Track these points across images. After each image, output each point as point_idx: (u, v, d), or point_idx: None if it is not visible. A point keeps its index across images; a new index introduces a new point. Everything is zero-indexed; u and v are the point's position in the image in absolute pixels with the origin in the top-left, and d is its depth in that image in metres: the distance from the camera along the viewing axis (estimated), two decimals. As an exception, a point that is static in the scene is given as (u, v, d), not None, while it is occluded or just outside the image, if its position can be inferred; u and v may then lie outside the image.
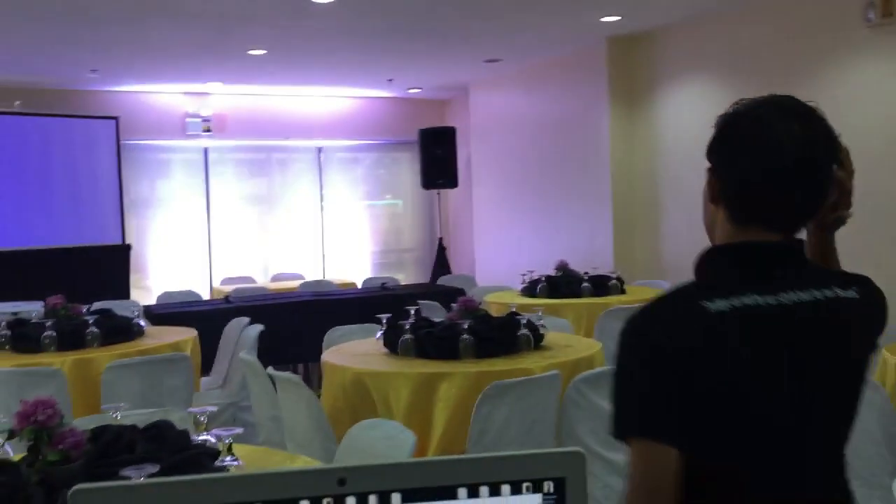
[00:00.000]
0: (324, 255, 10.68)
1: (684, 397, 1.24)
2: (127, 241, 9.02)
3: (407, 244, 11.41)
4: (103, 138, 8.93)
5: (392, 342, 3.72)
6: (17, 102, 8.50)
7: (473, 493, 0.80)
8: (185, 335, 4.53)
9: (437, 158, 9.86)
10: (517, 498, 0.81)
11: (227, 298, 6.67)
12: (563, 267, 6.11)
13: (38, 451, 1.93)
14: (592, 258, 7.32)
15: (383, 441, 2.42)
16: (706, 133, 1.40)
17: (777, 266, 1.32)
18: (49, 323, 4.18)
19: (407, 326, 3.70)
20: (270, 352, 4.88)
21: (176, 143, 9.91)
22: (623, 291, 5.75)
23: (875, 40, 5.61)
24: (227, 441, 2.09)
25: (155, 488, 0.75)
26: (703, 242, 1.42)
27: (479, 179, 10.23)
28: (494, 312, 4.34)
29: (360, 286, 8.05)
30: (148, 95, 9.64)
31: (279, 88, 9.93)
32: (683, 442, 1.25)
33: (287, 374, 3.35)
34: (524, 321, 3.73)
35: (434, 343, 3.60)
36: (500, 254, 9.70)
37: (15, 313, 4.99)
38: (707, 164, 1.38)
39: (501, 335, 3.67)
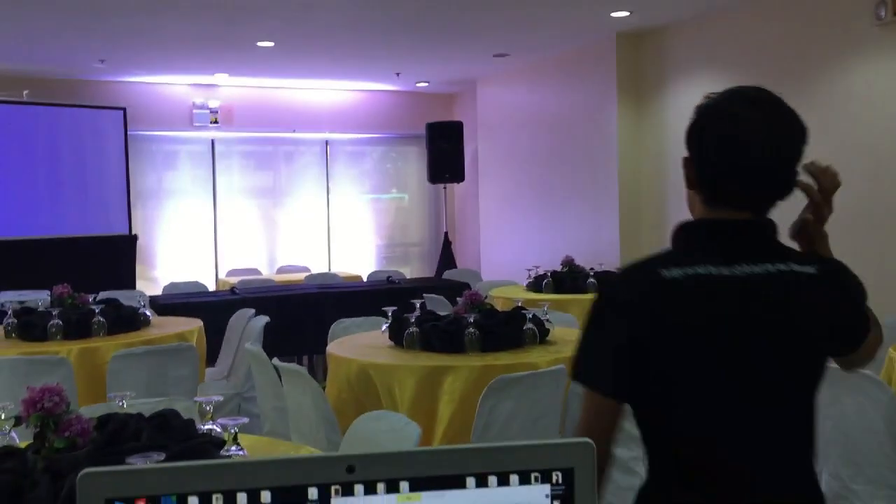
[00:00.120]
0: (329, 248, 10.69)
1: (631, 355, 1.37)
2: (133, 232, 9.04)
3: (413, 238, 11.40)
4: (111, 129, 8.94)
5: (397, 335, 3.72)
6: (26, 92, 8.51)
7: (482, 483, 0.80)
8: (191, 326, 4.54)
9: (444, 152, 9.85)
10: (525, 488, 0.80)
11: (232, 290, 6.67)
12: (568, 262, 6.10)
13: (45, 438, 1.93)
14: (599, 254, 7.31)
15: (388, 433, 2.42)
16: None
17: (738, 242, 1.41)
18: (55, 312, 4.19)
19: (412, 319, 3.70)
20: (276, 343, 4.89)
21: (183, 134, 9.92)
22: (629, 287, 5.73)
23: (885, 38, 5.58)
24: (232, 431, 2.09)
25: (163, 473, 0.75)
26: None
27: (486, 174, 10.22)
28: (500, 307, 4.33)
29: (365, 280, 8.05)
30: (155, 86, 9.65)
31: (287, 81, 9.92)
32: (622, 396, 1.39)
33: (292, 366, 3.35)
34: (530, 316, 3.72)
35: (439, 336, 3.59)
36: (506, 249, 9.69)
37: (22, 302, 5.01)
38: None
39: (507, 329, 3.67)
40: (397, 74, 9.63)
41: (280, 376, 3.44)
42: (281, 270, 9.17)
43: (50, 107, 8.60)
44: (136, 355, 3.87)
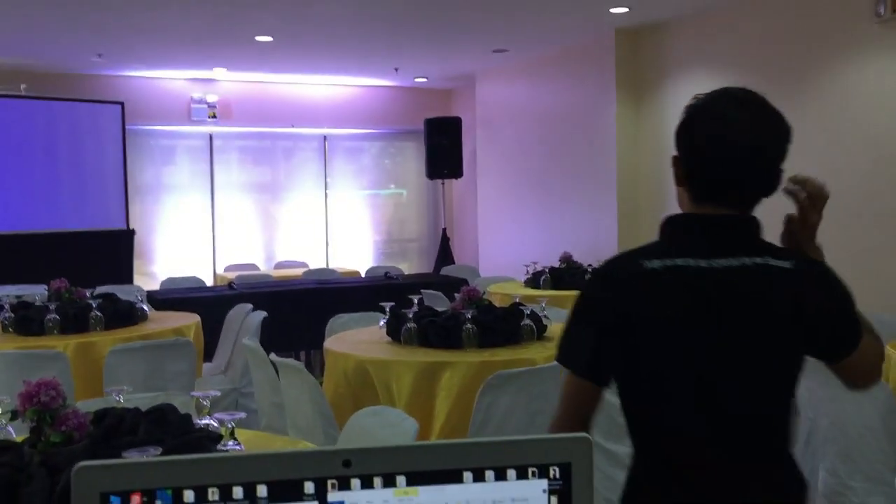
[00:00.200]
0: (327, 244, 10.68)
1: (608, 340, 1.45)
2: (131, 227, 9.02)
3: (411, 234, 11.40)
4: (108, 123, 8.92)
5: (395, 330, 3.72)
6: (23, 86, 8.49)
7: (479, 478, 0.79)
8: (188, 321, 4.53)
9: (442, 148, 9.84)
10: (523, 483, 0.80)
11: (230, 285, 6.67)
12: (566, 259, 6.11)
13: (41, 432, 1.93)
14: (596, 250, 7.30)
15: (385, 428, 2.42)
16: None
17: (719, 236, 1.46)
18: (52, 306, 4.18)
19: (410, 315, 3.69)
20: (273, 339, 4.88)
21: (181, 129, 9.90)
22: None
23: (885, 35, 5.58)
24: (229, 425, 2.09)
25: (158, 467, 0.75)
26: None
27: (484, 170, 10.21)
28: (497, 303, 4.33)
29: (363, 275, 8.05)
30: (153, 81, 9.62)
31: (285, 76, 9.91)
32: (597, 378, 1.47)
33: (290, 361, 3.35)
34: (528, 312, 3.72)
35: (437, 332, 3.59)
36: (504, 245, 9.69)
37: (19, 296, 5.00)
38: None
39: (504, 325, 3.67)
40: (396, 70, 9.62)
41: (277, 371, 3.44)
42: (279, 266, 9.17)
43: (47, 101, 8.58)
44: (133, 350, 3.87)
